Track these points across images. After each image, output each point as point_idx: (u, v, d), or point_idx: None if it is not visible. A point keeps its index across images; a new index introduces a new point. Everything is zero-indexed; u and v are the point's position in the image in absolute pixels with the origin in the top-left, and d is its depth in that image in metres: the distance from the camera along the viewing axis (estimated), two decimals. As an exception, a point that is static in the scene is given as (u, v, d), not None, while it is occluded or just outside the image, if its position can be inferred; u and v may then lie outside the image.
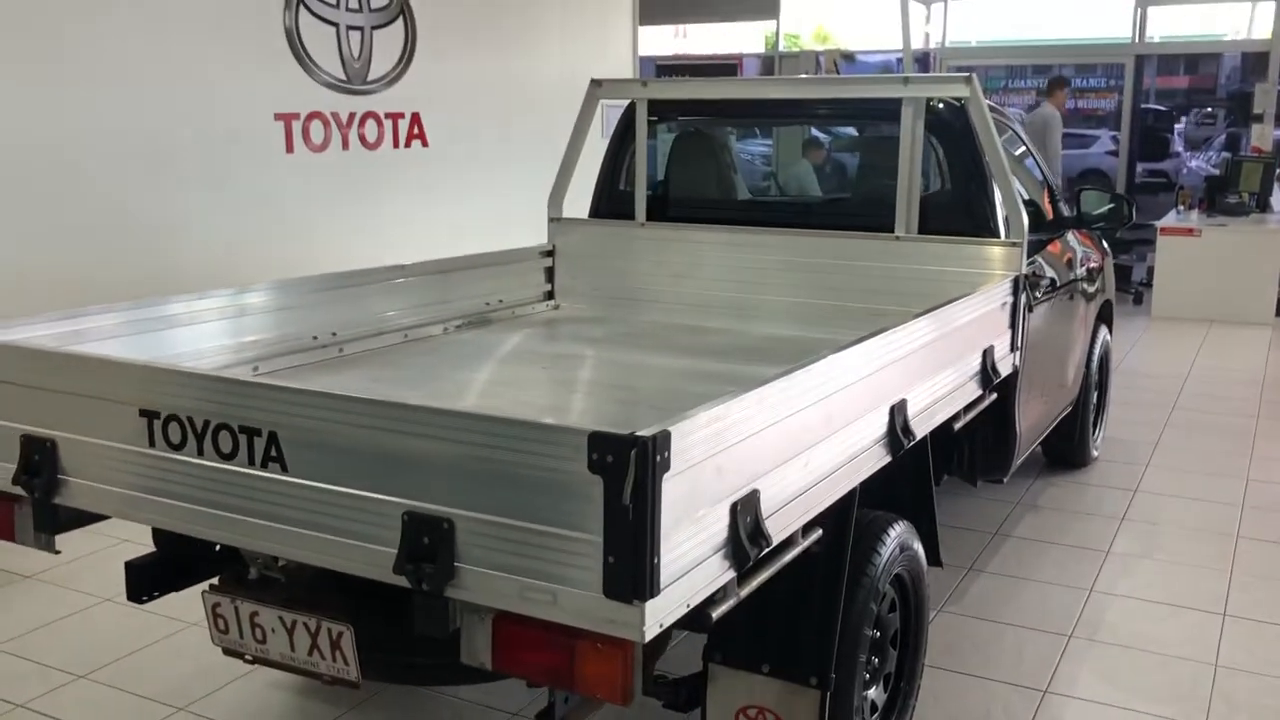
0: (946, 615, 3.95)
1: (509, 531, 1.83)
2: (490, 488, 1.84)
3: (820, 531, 2.44)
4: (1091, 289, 5.13)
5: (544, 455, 1.78)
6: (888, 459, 2.75)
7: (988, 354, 3.52)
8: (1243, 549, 4.57)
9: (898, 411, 2.76)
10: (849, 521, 2.59)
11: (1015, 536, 4.71)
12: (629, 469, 1.69)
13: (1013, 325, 3.81)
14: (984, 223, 3.97)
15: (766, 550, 2.10)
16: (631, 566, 1.72)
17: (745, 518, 2.02)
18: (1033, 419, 4.33)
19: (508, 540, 1.84)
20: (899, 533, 2.88)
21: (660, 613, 1.78)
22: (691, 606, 1.88)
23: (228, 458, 2.11)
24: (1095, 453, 5.60)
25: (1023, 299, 3.84)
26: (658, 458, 1.71)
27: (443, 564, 1.88)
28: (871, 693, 2.93)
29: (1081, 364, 5.13)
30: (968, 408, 3.44)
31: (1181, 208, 10.79)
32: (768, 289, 4.27)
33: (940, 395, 3.11)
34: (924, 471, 3.17)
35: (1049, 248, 4.65)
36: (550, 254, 4.65)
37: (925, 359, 2.96)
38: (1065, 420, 5.17)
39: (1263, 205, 10.29)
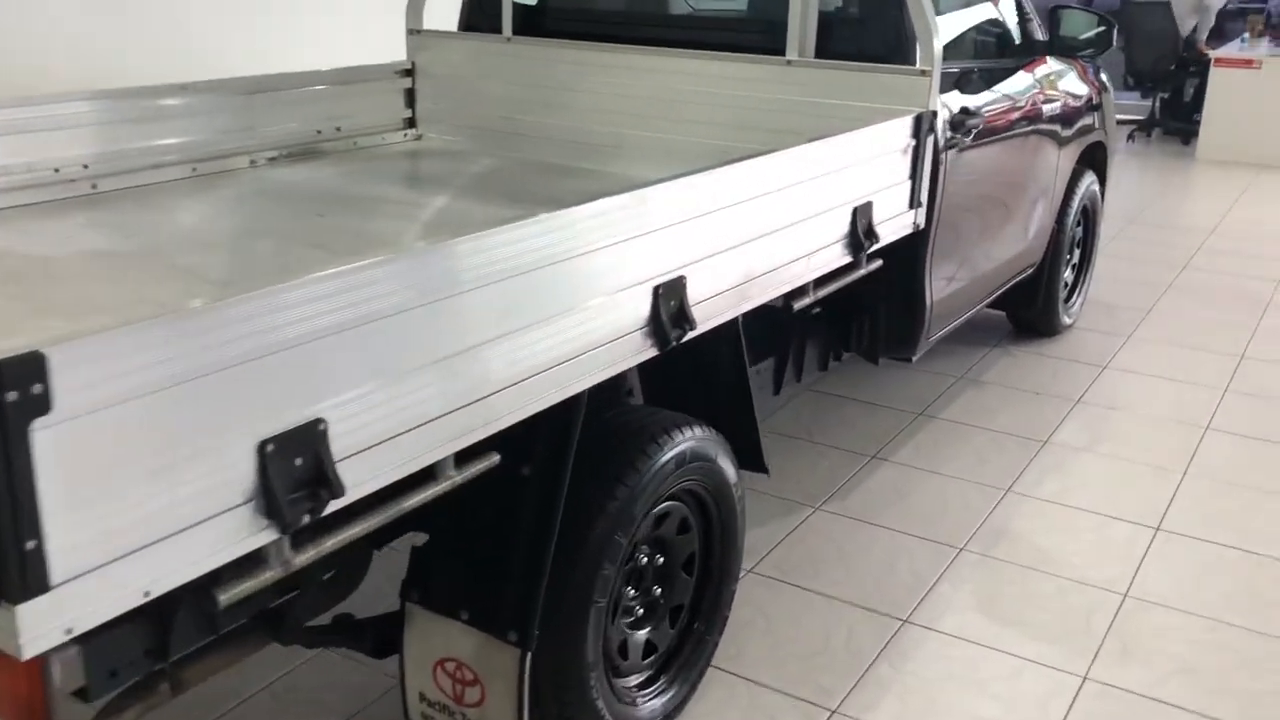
0: (824, 515, 3.38)
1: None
2: None
3: (497, 457, 1.85)
4: (1068, 130, 4.31)
5: (-114, 382, 1.20)
6: (652, 353, 2.13)
7: (860, 213, 2.82)
8: (1208, 444, 3.90)
9: (667, 294, 2.12)
10: (568, 437, 2.00)
11: (942, 419, 4.08)
12: (-46, 414, 1.11)
13: (914, 175, 3.09)
14: (892, 45, 3.20)
15: (341, 498, 1.52)
16: (-12, 554, 1.16)
17: (294, 460, 1.44)
18: (958, 286, 3.64)
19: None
20: (686, 440, 2.28)
21: (65, 613, 1.22)
22: (153, 595, 1.32)
23: None
24: (1068, 320, 4.88)
25: (931, 142, 3.11)
26: (11, 396, 1.12)
27: None
28: (642, 634, 2.39)
29: (1050, 218, 4.37)
30: (824, 280, 2.78)
31: (1248, 36, 9.59)
32: (648, 122, 3.56)
33: (762, 270, 2.45)
34: (736, 364, 2.54)
35: (1009, 79, 3.85)
36: (410, 73, 3.97)
37: (728, 223, 2.30)
38: (1028, 283, 4.46)
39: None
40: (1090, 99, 4.56)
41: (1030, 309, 4.64)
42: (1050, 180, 4.24)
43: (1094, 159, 4.85)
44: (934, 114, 3.09)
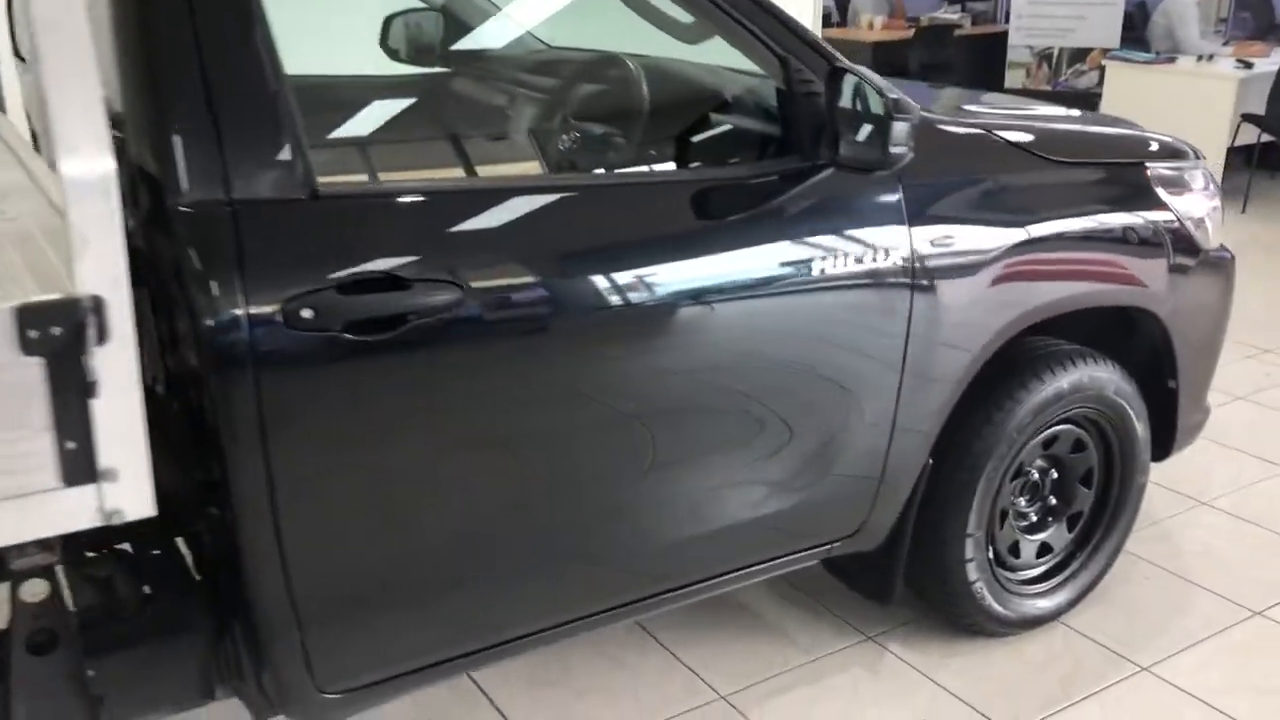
0: None
1: None
2: None
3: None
4: (970, 297, 2.26)
5: None
6: None
7: None
8: None
9: None
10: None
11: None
12: None
13: (66, 419, 1.48)
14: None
15: None
16: None
17: None
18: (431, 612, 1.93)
19: None
20: None
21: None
22: None
23: None
24: (1009, 611, 2.69)
25: (84, 358, 1.48)
26: None
27: None
28: None
29: (893, 453, 2.33)
30: None
31: None
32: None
33: None
34: None
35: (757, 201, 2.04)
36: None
37: None
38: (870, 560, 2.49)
39: None
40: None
41: (886, 596, 2.57)
42: (867, 381, 2.24)
43: (1144, 334, 2.70)
44: (92, 303, 1.45)
